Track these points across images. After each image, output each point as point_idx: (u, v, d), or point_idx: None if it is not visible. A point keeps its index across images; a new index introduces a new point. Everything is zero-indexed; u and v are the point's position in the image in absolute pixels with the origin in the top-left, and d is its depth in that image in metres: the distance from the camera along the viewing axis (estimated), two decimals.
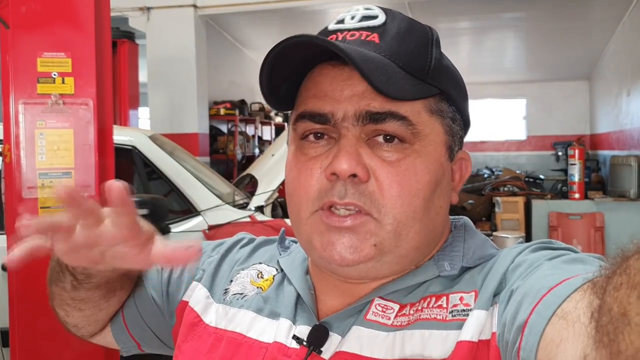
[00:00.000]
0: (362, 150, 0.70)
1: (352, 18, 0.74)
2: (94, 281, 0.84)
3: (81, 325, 0.95)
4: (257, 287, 0.85)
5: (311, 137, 0.74)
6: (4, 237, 2.41)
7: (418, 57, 0.72)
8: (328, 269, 0.75)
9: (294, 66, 0.72)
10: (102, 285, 0.86)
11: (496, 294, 0.67)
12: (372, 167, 0.70)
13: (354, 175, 0.69)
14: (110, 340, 0.99)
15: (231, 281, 0.88)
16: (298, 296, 0.79)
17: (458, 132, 0.78)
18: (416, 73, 0.71)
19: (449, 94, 0.75)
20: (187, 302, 0.89)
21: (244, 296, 0.84)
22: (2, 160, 2.51)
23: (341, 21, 0.75)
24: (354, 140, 0.70)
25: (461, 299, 0.70)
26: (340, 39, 0.73)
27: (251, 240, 0.97)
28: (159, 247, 0.67)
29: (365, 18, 0.74)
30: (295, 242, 0.92)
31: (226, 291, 0.87)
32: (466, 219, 0.84)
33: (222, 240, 0.98)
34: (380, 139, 0.71)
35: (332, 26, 0.75)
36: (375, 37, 0.72)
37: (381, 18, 0.73)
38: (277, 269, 0.88)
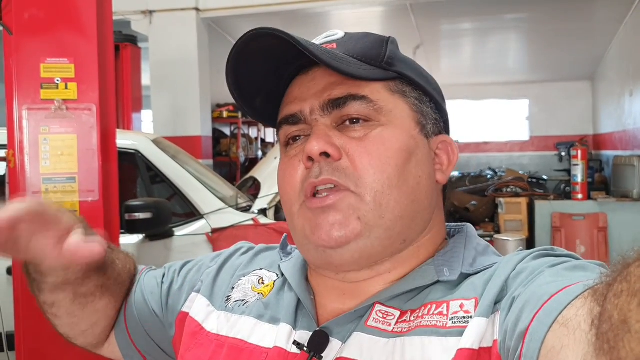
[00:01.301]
0: (331, 133, 0.75)
1: (318, 39, 0.81)
2: (49, 281, 0.84)
3: (72, 335, 0.95)
4: (258, 293, 0.86)
5: (291, 141, 0.80)
6: None
7: (372, 50, 0.78)
8: (323, 260, 0.76)
9: (263, 78, 0.79)
10: (62, 286, 0.86)
11: (497, 302, 0.67)
12: (343, 146, 0.74)
13: (327, 156, 0.73)
14: (115, 351, 1.00)
15: (233, 288, 0.89)
16: (298, 301, 0.79)
17: (430, 113, 0.81)
18: (371, 62, 0.77)
19: (409, 79, 0.79)
20: (187, 313, 0.90)
21: (246, 303, 0.85)
22: (7, 166, 2.52)
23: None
24: (323, 126, 0.75)
25: (461, 305, 0.70)
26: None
27: (251, 248, 0.99)
28: (69, 241, 0.70)
29: (327, 37, 0.81)
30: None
31: (228, 298, 0.87)
32: (469, 225, 0.84)
33: (220, 251, 1.00)
34: (348, 123, 0.76)
35: None
36: (334, 45, 0.79)
37: (341, 34, 0.81)
38: (277, 275, 0.88)
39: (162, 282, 0.97)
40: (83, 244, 0.70)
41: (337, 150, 0.73)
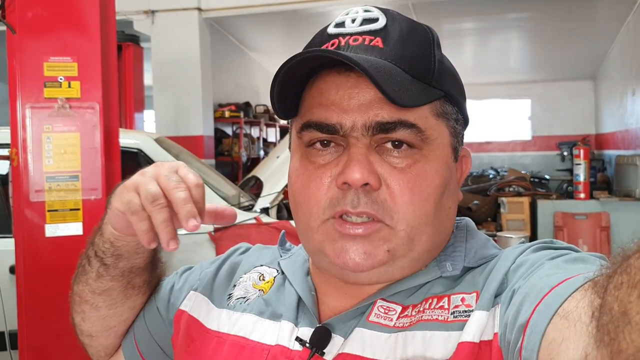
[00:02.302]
0: (372, 157, 0.70)
1: (353, 21, 0.73)
2: (120, 265, 0.85)
3: (95, 332, 0.95)
4: (259, 290, 0.85)
5: (318, 144, 0.73)
6: (12, 240, 2.43)
7: (422, 60, 0.72)
8: (339, 275, 0.75)
9: (299, 76, 0.72)
10: (126, 273, 0.87)
11: (498, 295, 0.68)
12: (383, 175, 0.70)
13: (366, 184, 0.69)
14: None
15: (234, 286, 0.89)
16: (299, 298, 0.79)
17: (460, 131, 0.79)
18: (421, 77, 0.71)
19: (451, 96, 0.75)
20: (184, 311, 0.90)
21: (247, 300, 0.84)
22: (10, 164, 2.53)
23: (341, 24, 0.74)
24: (364, 149, 0.70)
25: (462, 299, 0.70)
26: (343, 44, 0.72)
27: (249, 249, 0.99)
28: (216, 206, 0.75)
29: (366, 21, 0.73)
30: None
31: (230, 296, 0.87)
32: (468, 219, 0.84)
33: (218, 256, 1.00)
34: (389, 145, 0.71)
35: (332, 29, 0.74)
36: (378, 42, 0.71)
37: (382, 21, 0.73)
38: (277, 270, 0.88)
39: (166, 283, 0.98)
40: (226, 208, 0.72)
41: (378, 180, 0.69)
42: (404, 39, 0.72)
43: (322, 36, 0.75)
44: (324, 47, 0.73)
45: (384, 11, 0.74)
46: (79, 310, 0.93)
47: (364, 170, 0.68)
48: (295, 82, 0.72)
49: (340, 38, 0.73)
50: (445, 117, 0.74)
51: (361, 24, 0.73)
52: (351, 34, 0.72)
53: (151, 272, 0.93)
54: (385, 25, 0.72)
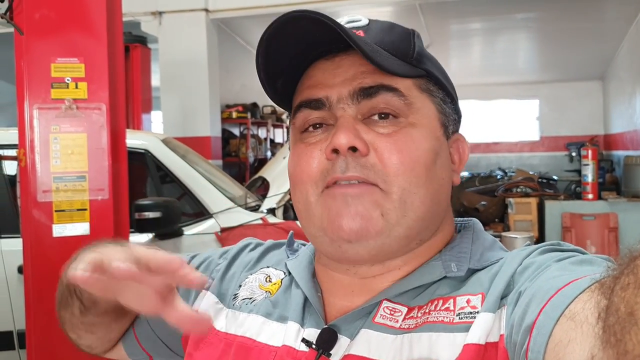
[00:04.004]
0: (358, 127, 0.72)
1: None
2: (101, 308, 0.84)
3: (95, 345, 0.96)
4: (266, 291, 0.85)
5: (310, 128, 0.76)
6: (20, 240, 2.44)
7: (401, 44, 0.76)
8: (338, 254, 0.75)
9: (289, 60, 0.75)
10: (110, 311, 0.86)
11: (504, 296, 0.67)
12: (370, 141, 0.72)
13: (354, 150, 0.71)
14: (122, 354, 0.99)
15: (240, 286, 0.88)
16: (306, 299, 0.79)
17: (451, 114, 0.80)
18: (402, 57, 0.75)
19: (436, 78, 0.78)
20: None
21: (253, 301, 0.84)
22: (17, 165, 2.54)
23: None
24: (351, 118, 0.73)
25: (468, 301, 0.70)
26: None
27: (258, 245, 0.97)
28: (181, 306, 0.66)
29: (351, 22, 0.78)
30: (304, 245, 0.92)
31: (235, 296, 0.87)
32: (475, 220, 0.84)
33: (228, 247, 0.98)
34: (376, 117, 0.73)
35: None
36: (360, 32, 0.76)
37: (365, 21, 0.78)
38: (284, 273, 0.88)
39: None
40: (193, 315, 0.65)
41: (365, 145, 0.71)
42: (383, 30, 0.77)
43: None
44: None
45: (369, 18, 0.79)
46: (73, 331, 0.93)
47: (350, 134, 0.70)
48: (284, 67, 0.76)
49: None
50: (430, 93, 0.77)
51: (347, 23, 0.78)
52: None
53: None
54: (368, 23, 0.78)
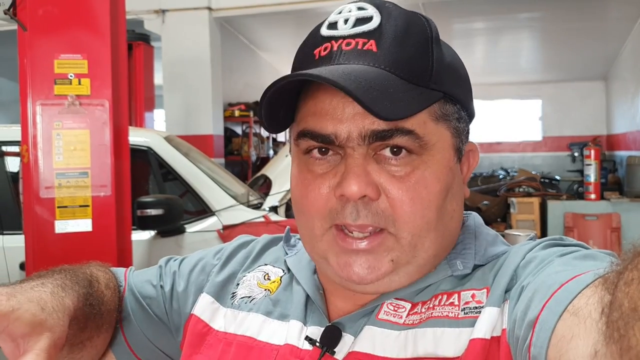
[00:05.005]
0: (369, 167, 0.68)
1: (346, 22, 0.71)
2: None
3: None
4: (265, 290, 0.84)
5: (315, 152, 0.71)
6: (22, 237, 2.44)
7: (418, 61, 0.69)
8: (343, 285, 0.74)
9: (289, 91, 0.71)
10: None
11: (507, 291, 0.67)
12: (382, 184, 0.68)
13: (364, 196, 0.68)
14: None
15: (237, 284, 0.87)
16: (307, 297, 0.78)
17: (464, 129, 0.76)
18: (418, 80, 0.69)
19: (452, 95, 0.72)
20: (193, 314, 0.86)
21: (252, 299, 0.83)
22: (20, 161, 2.54)
23: (334, 24, 0.71)
24: (361, 160, 0.68)
25: (473, 296, 0.70)
26: (335, 49, 0.70)
27: (254, 242, 0.95)
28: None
29: (360, 21, 0.70)
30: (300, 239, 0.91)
31: (233, 295, 0.86)
32: (475, 214, 0.83)
33: (221, 245, 0.96)
34: (387, 152, 0.69)
35: (324, 31, 0.72)
36: (372, 45, 0.69)
37: (376, 20, 0.70)
38: (283, 270, 0.87)
39: (162, 285, 0.91)
40: None
41: (376, 190, 0.68)
42: (399, 39, 0.69)
43: (315, 38, 0.73)
44: (316, 51, 0.71)
45: (379, 7, 0.71)
46: None
47: (361, 182, 0.67)
48: (289, 92, 0.70)
49: (333, 42, 0.70)
50: (445, 119, 0.72)
51: (354, 25, 0.70)
52: (344, 37, 0.70)
53: (91, 321, 0.79)
54: (380, 25, 0.69)
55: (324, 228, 0.71)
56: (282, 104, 0.71)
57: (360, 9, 0.71)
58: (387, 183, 0.68)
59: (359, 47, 0.69)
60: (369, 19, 0.70)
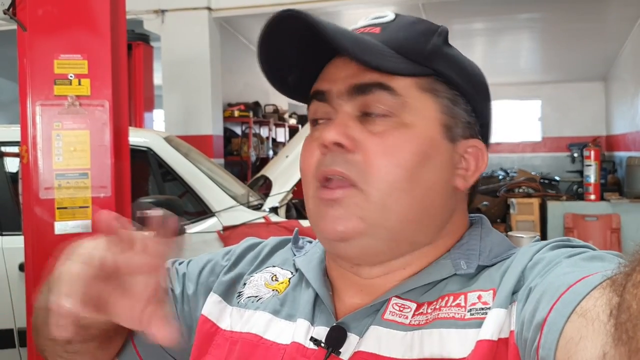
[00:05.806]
0: (352, 123, 0.73)
1: (365, 19, 0.78)
2: (88, 334, 0.74)
3: None
4: (273, 290, 0.84)
5: (318, 122, 0.78)
6: (22, 237, 2.44)
7: (415, 41, 0.74)
8: (330, 248, 0.77)
9: (297, 56, 0.77)
10: (96, 337, 0.77)
11: (514, 292, 0.67)
12: (360, 140, 0.72)
13: (341, 146, 0.72)
14: None
15: (244, 284, 0.87)
16: (316, 297, 0.78)
17: (463, 116, 0.77)
18: (409, 55, 0.73)
19: (448, 78, 0.75)
20: (202, 315, 0.85)
21: (259, 299, 0.83)
22: (20, 161, 2.54)
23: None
24: (345, 115, 0.74)
25: (479, 297, 0.69)
26: None
27: (263, 245, 0.95)
28: (157, 325, 0.59)
29: (376, 17, 0.78)
30: (310, 242, 0.91)
31: (240, 294, 0.85)
32: (482, 216, 0.83)
33: (230, 247, 0.96)
34: (373, 116, 0.73)
35: None
36: (377, 30, 0.76)
37: (390, 16, 0.77)
38: (292, 272, 0.86)
39: (172, 289, 0.90)
40: (166, 331, 0.58)
41: (352, 142, 0.71)
42: (402, 26, 0.76)
43: None
44: None
45: (397, 13, 0.78)
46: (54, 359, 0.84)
47: (338, 130, 0.72)
48: (294, 62, 0.78)
49: None
50: (433, 92, 0.75)
51: (371, 20, 0.78)
52: (357, 29, 0.78)
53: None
54: (392, 20, 0.77)
55: (313, 188, 0.75)
56: (290, 68, 0.79)
57: (378, 14, 0.79)
58: (364, 139, 0.72)
59: (365, 31, 0.76)
60: (384, 17, 0.78)
